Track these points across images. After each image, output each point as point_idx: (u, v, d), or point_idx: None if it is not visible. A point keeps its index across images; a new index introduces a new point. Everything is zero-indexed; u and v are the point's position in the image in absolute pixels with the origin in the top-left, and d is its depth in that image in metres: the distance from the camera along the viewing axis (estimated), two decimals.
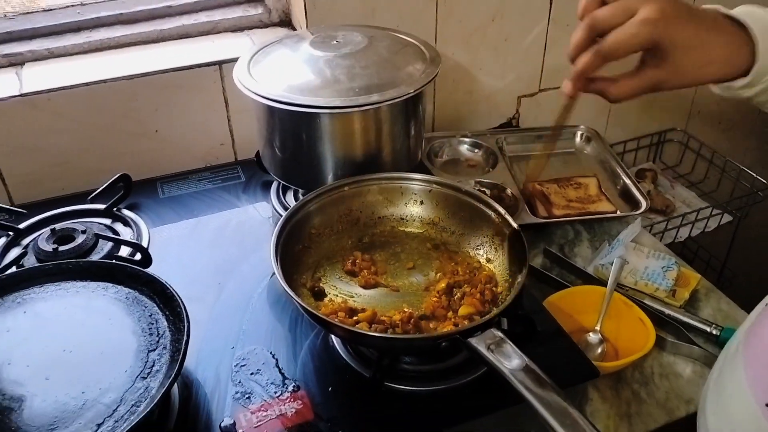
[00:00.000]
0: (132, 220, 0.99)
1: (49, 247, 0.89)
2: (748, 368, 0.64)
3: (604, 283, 0.92)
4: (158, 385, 0.65)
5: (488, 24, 1.25)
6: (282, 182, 1.02)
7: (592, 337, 0.88)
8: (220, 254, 0.95)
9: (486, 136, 1.27)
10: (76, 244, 0.90)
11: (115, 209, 1.00)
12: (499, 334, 0.65)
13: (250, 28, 1.21)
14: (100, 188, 1.01)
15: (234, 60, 0.97)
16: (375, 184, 0.89)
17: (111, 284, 0.77)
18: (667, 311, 0.93)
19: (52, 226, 0.93)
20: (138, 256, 0.90)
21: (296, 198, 1.01)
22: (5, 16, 1.12)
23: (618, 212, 1.10)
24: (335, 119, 0.88)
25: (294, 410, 0.70)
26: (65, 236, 0.92)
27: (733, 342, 0.70)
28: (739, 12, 0.64)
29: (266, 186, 1.08)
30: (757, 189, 1.40)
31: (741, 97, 0.67)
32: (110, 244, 0.91)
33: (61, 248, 0.89)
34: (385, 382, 0.72)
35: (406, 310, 0.75)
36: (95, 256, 0.90)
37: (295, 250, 0.82)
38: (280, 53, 0.96)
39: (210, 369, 0.76)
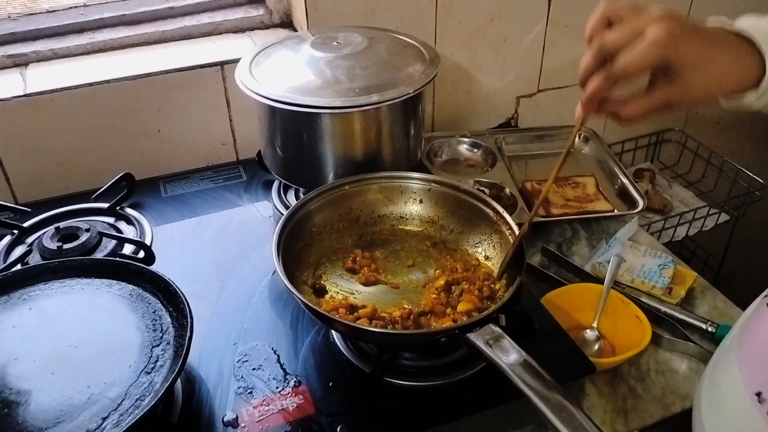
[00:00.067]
0: (135, 218, 1.00)
1: (53, 245, 0.91)
2: (742, 361, 0.65)
3: (601, 281, 0.94)
4: (162, 380, 0.66)
5: (487, 25, 1.26)
6: (283, 181, 1.03)
7: (589, 334, 0.89)
8: (222, 252, 0.96)
9: (485, 136, 1.28)
10: (80, 242, 0.91)
11: (118, 208, 1.02)
12: (498, 329, 0.66)
13: (252, 29, 1.22)
14: (104, 187, 1.03)
15: (235, 61, 0.99)
16: (375, 183, 0.90)
17: (115, 281, 0.79)
18: (663, 308, 0.94)
19: (56, 225, 0.95)
20: (141, 254, 0.91)
21: (297, 197, 1.02)
22: (9, 17, 1.13)
23: (615, 211, 1.11)
24: (336, 119, 0.89)
25: (295, 405, 0.72)
26: (69, 234, 0.93)
27: (729, 338, 0.71)
28: (743, 25, 0.65)
29: (267, 185, 1.10)
30: (754, 189, 1.41)
31: (749, 110, 0.68)
32: (114, 242, 0.93)
33: (66, 246, 0.91)
34: (385, 378, 0.73)
35: (405, 306, 0.76)
36: (99, 254, 0.91)
37: (297, 248, 0.83)
38: (282, 54, 0.98)
39: (213, 365, 0.77)
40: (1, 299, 0.77)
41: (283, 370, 0.76)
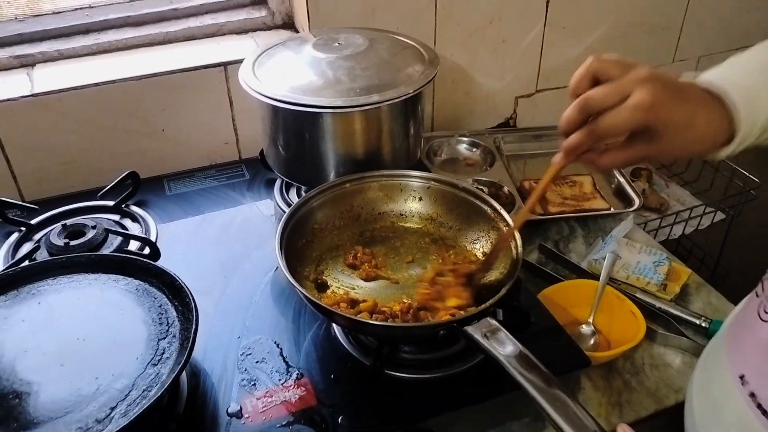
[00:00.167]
0: (140, 216, 1.02)
1: (60, 242, 0.93)
2: (729, 346, 0.68)
3: (597, 278, 0.95)
4: (168, 371, 0.68)
5: (486, 26, 1.28)
6: (285, 180, 1.05)
7: (585, 329, 0.91)
8: (226, 249, 0.98)
9: (484, 136, 1.30)
10: (87, 238, 0.93)
11: (123, 206, 1.04)
12: (494, 322, 0.68)
13: (254, 30, 1.24)
14: (109, 185, 1.04)
15: (238, 61, 1.01)
16: (375, 181, 0.92)
17: (122, 276, 0.81)
18: (658, 304, 0.96)
19: (63, 222, 0.96)
20: (147, 251, 0.93)
21: (299, 195, 1.04)
22: (16, 18, 1.15)
23: (612, 209, 1.13)
24: (337, 119, 0.91)
25: (298, 396, 0.73)
26: (76, 231, 0.95)
27: (721, 331, 0.73)
28: (718, 79, 0.66)
29: (270, 183, 1.11)
30: (750, 188, 1.42)
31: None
32: (120, 238, 0.95)
33: (73, 243, 0.92)
34: (385, 370, 0.75)
35: (405, 301, 0.78)
36: (105, 251, 0.93)
37: (299, 245, 0.85)
38: (284, 55, 1.00)
39: (217, 358, 0.79)
40: (11, 294, 0.79)
41: (286, 363, 0.78)
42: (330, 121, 0.91)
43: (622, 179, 1.19)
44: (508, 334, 0.66)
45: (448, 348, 0.78)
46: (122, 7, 1.19)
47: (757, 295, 0.67)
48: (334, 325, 0.82)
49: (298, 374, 0.76)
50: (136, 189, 1.05)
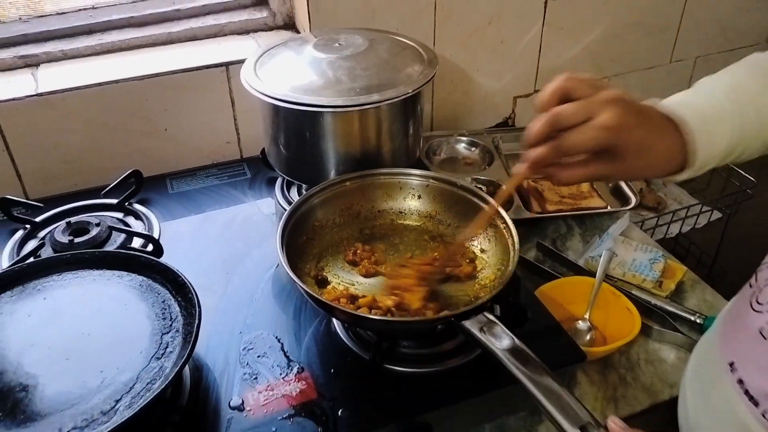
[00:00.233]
0: (143, 214, 1.03)
1: (65, 239, 0.94)
2: (722, 334, 0.70)
3: (593, 275, 0.97)
4: (172, 365, 0.69)
5: (485, 27, 1.30)
6: (286, 178, 1.06)
7: (582, 325, 0.93)
8: (227, 247, 0.99)
9: (483, 135, 1.31)
10: (91, 236, 0.94)
11: (126, 204, 1.05)
12: (491, 317, 0.69)
13: (256, 31, 1.25)
14: (113, 184, 1.06)
15: (240, 62, 1.02)
16: (375, 180, 0.93)
17: (126, 273, 0.82)
18: (653, 301, 0.97)
19: (67, 219, 0.98)
20: (150, 248, 0.94)
21: (300, 193, 1.06)
22: (20, 19, 1.17)
23: (608, 208, 1.14)
24: (337, 118, 0.92)
25: (298, 390, 0.75)
26: (80, 229, 0.96)
27: (715, 321, 0.75)
28: (680, 105, 0.68)
29: (271, 182, 1.13)
30: (747, 187, 1.44)
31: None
32: (123, 235, 0.96)
33: (77, 240, 0.94)
34: (385, 365, 0.77)
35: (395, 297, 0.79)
36: (109, 248, 0.94)
37: (300, 242, 0.86)
38: (285, 55, 1.01)
39: (219, 352, 0.80)
40: (17, 289, 0.80)
41: (287, 357, 0.79)
42: (330, 121, 0.92)
43: None
44: (504, 328, 0.68)
45: (446, 343, 0.80)
46: (125, 8, 1.20)
47: (750, 286, 0.69)
48: (334, 320, 0.83)
49: (298, 368, 0.78)
50: (139, 187, 1.07)
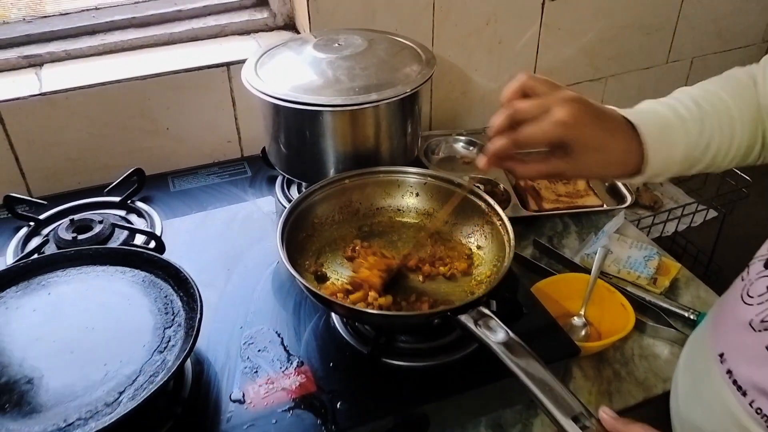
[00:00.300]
0: (145, 211, 1.05)
1: (68, 236, 0.96)
2: (713, 326, 0.72)
3: (589, 271, 0.98)
4: (174, 358, 0.71)
5: (483, 27, 1.31)
6: (287, 176, 1.08)
7: (577, 321, 0.94)
8: (228, 244, 1.00)
9: (481, 135, 1.33)
10: (94, 233, 0.96)
11: (129, 201, 1.06)
12: (486, 311, 0.71)
13: (256, 31, 1.27)
14: (116, 182, 1.07)
15: (241, 62, 1.04)
16: (374, 178, 0.95)
17: (128, 268, 0.83)
18: (648, 297, 0.99)
19: (70, 217, 0.99)
20: (152, 244, 0.96)
21: (300, 192, 1.07)
22: (24, 19, 1.18)
23: (604, 206, 1.16)
24: (337, 117, 0.94)
25: (298, 383, 0.76)
26: (83, 226, 0.98)
27: (707, 314, 0.77)
28: (642, 111, 0.72)
29: (271, 180, 1.14)
30: (742, 186, 1.45)
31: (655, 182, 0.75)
32: (126, 232, 0.98)
33: (80, 237, 0.95)
34: (382, 359, 0.78)
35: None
36: (112, 245, 0.96)
37: (300, 238, 0.87)
38: (285, 55, 1.03)
39: (220, 347, 0.82)
40: (22, 285, 0.81)
41: (287, 351, 0.81)
42: (330, 119, 0.94)
43: None
44: (499, 322, 0.69)
45: (443, 338, 0.81)
46: (127, 9, 1.22)
47: (742, 279, 0.71)
48: (333, 315, 0.85)
49: (298, 362, 0.79)
50: (142, 185, 1.08)
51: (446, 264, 0.87)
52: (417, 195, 0.95)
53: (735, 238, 1.60)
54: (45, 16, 1.19)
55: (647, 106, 0.74)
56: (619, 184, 1.21)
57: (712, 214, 1.47)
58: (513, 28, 1.34)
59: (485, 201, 0.89)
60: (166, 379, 0.67)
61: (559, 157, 0.67)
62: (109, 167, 1.12)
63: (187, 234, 1.03)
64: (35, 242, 0.98)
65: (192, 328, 0.73)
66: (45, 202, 1.05)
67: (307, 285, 0.74)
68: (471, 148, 1.31)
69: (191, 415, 0.73)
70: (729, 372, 0.67)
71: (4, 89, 1.07)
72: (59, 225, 0.99)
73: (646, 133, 0.69)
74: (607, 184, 1.24)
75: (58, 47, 1.16)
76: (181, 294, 0.79)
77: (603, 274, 1.01)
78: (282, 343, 0.82)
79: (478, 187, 0.92)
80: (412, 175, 0.95)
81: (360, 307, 0.77)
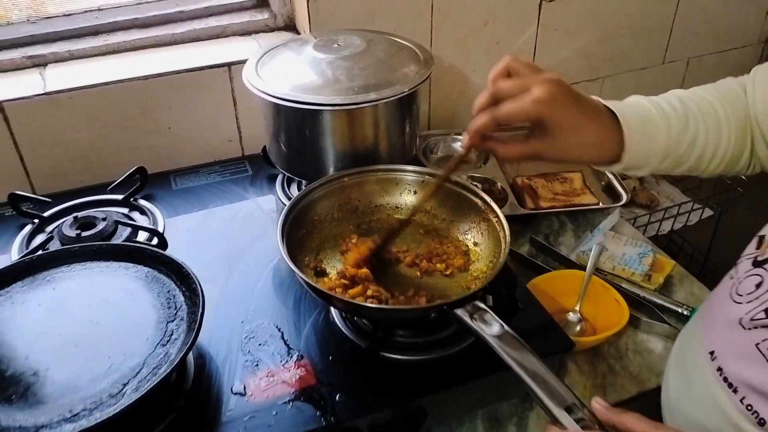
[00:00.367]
0: (148, 209, 1.07)
1: (72, 233, 0.97)
2: (703, 324, 0.73)
3: (584, 268, 0.99)
4: (176, 351, 0.72)
5: (481, 28, 1.33)
6: (287, 175, 1.09)
7: (572, 317, 0.96)
8: (229, 241, 1.02)
9: None
10: (98, 230, 0.98)
11: (132, 199, 1.08)
12: (482, 305, 0.72)
13: (257, 32, 1.29)
14: (118, 180, 1.09)
15: (242, 62, 1.05)
16: (372, 176, 0.96)
17: (132, 264, 0.85)
18: (642, 293, 1.00)
19: (74, 214, 1.01)
20: (155, 241, 0.97)
21: (300, 190, 1.08)
22: (28, 20, 1.20)
23: (600, 204, 1.17)
24: (336, 116, 0.95)
25: (298, 376, 0.78)
26: (87, 223, 1.00)
27: (697, 312, 0.78)
28: (626, 102, 0.74)
29: (272, 179, 1.16)
30: (737, 185, 1.47)
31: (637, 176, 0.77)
32: (129, 229, 0.99)
33: (84, 234, 0.97)
34: (380, 352, 0.80)
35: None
36: (115, 241, 0.98)
37: (300, 235, 0.89)
38: (286, 55, 1.04)
39: (222, 341, 0.83)
40: (27, 280, 0.83)
41: (287, 345, 0.82)
42: (329, 118, 0.95)
43: (611, 176, 1.24)
44: (494, 315, 0.71)
45: (440, 332, 0.83)
46: (130, 10, 1.23)
47: (731, 278, 0.72)
48: (332, 311, 0.86)
49: (298, 356, 0.81)
50: (144, 183, 1.10)
51: (443, 260, 0.88)
52: (415, 193, 0.97)
53: (730, 237, 1.61)
54: (49, 17, 1.21)
55: (632, 99, 0.76)
56: (615, 183, 1.22)
57: (708, 213, 1.48)
58: (511, 29, 1.36)
59: (482, 198, 0.90)
60: (169, 371, 0.69)
61: (538, 138, 0.70)
62: (112, 166, 1.14)
63: (189, 231, 1.04)
64: (39, 239, 0.99)
65: (194, 322, 0.75)
66: (49, 200, 1.07)
67: (306, 279, 0.76)
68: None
69: (193, 407, 0.74)
70: (719, 369, 0.68)
71: (8, 89, 1.08)
72: (63, 222, 1.00)
73: (625, 120, 0.71)
74: (603, 183, 1.25)
75: (61, 47, 1.18)
76: (184, 289, 0.81)
77: (598, 271, 1.02)
78: (282, 337, 0.84)
79: (476, 185, 0.93)
80: (410, 173, 0.96)
81: (359, 301, 0.78)
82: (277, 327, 0.85)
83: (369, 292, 0.81)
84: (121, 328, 0.77)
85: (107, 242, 0.95)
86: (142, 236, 1.00)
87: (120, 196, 1.08)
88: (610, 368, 0.91)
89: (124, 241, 0.98)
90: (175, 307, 0.78)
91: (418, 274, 0.87)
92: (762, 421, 0.64)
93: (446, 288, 0.86)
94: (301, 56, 1.02)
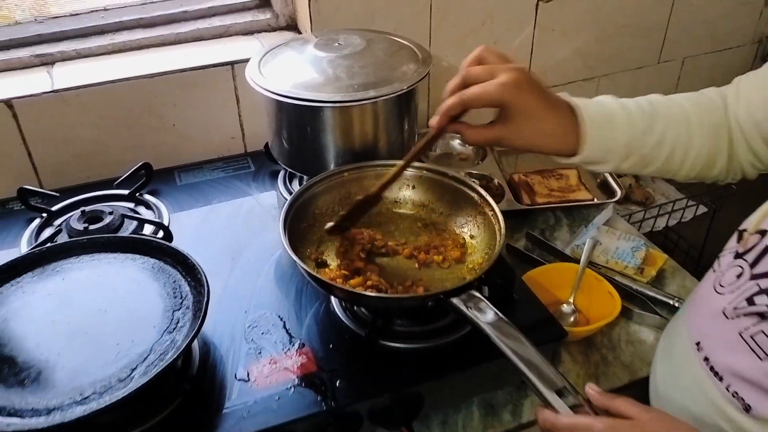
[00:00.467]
0: (153, 203, 1.09)
1: (80, 226, 1.00)
2: (689, 316, 0.76)
3: (579, 262, 1.02)
4: (183, 338, 0.75)
5: (479, 28, 1.35)
6: (288, 171, 1.12)
7: (566, 308, 0.98)
8: (233, 235, 1.04)
9: None
10: (105, 223, 1.00)
11: (137, 194, 1.11)
12: (477, 294, 0.75)
13: (260, 31, 1.31)
14: (124, 175, 1.12)
15: (245, 61, 1.07)
16: (372, 171, 0.98)
17: (139, 255, 0.87)
18: (634, 286, 1.03)
19: (82, 208, 1.03)
20: (160, 234, 1.00)
21: (301, 185, 1.11)
22: (35, 20, 1.23)
23: (595, 200, 1.20)
24: (336, 113, 0.98)
25: (299, 363, 0.80)
26: (94, 217, 1.02)
27: (684, 304, 0.81)
28: (592, 100, 0.77)
29: (274, 175, 1.19)
30: (731, 182, 1.49)
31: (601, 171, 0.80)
32: (135, 223, 1.02)
33: (91, 227, 1.00)
34: (379, 341, 0.82)
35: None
36: (122, 234, 1.00)
37: (301, 227, 0.91)
38: (287, 54, 1.07)
39: (225, 331, 0.86)
40: (37, 271, 0.86)
41: (289, 334, 0.85)
42: (330, 115, 0.98)
43: (606, 173, 1.27)
44: (488, 303, 0.73)
45: (437, 321, 0.85)
46: (135, 10, 1.26)
47: (713, 271, 0.75)
48: (333, 301, 0.89)
49: (299, 344, 0.83)
50: (149, 179, 1.12)
51: (441, 252, 0.91)
52: (413, 187, 0.99)
53: (725, 233, 1.63)
54: (56, 17, 1.23)
55: (600, 98, 0.79)
56: (610, 180, 1.25)
57: (702, 209, 1.51)
58: (508, 29, 1.38)
59: (478, 192, 0.93)
60: (175, 356, 0.71)
61: (502, 123, 0.74)
62: (118, 162, 1.16)
63: (193, 226, 1.07)
64: (48, 232, 1.02)
65: (199, 311, 0.77)
66: (57, 194, 1.10)
67: (307, 269, 0.78)
68: (467, 145, 1.35)
69: (199, 392, 0.77)
70: (706, 359, 0.71)
71: (17, 87, 1.11)
72: (71, 216, 1.03)
73: (584, 114, 0.74)
74: (598, 179, 1.28)
75: (68, 46, 1.21)
76: (189, 279, 0.83)
77: (592, 264, 1.05)
78: (284, 326, 0.86)
79: (474, 180, 0.96)
80: (408, 169, 0.98)
81: (358, 290, 0.81)
82: (279, 317, 0.88)
83: (369, 283, 0.84)
84: (128, 317, 0.79)
85: (114, 234, 0.97)
86: (148, 229, 1.02)
87: (126, 191, 1.11)
88: (603, 358, 0.94)
89: (130, 234, 1.00)
90: (181, 297, 0.81)
91: (416, 265, 0.90)
92: (747, 407, 0.67)
93: (443, 279, 0.88)
94: (303, 55, 1.05)
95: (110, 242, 0.89)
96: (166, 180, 1.18)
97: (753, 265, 0.69)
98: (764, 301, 0.65)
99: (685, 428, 0.61)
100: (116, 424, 0.72)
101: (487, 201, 0.91)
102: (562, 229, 1.19)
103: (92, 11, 1.25)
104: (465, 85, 0.73)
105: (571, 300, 0.99)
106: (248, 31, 1.31)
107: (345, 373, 0.79)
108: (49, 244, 0.92)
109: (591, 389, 0.65)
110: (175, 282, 0.83)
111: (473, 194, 0.93)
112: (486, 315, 0.72)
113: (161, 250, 0.87)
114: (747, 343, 0.66)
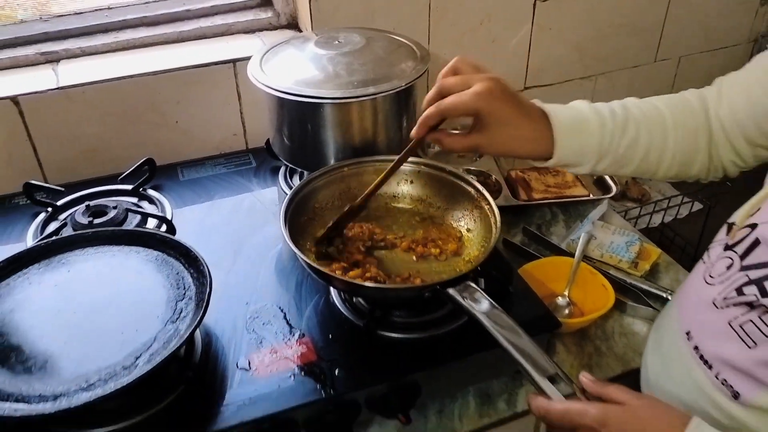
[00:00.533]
0: (156, 198, 1.11)
1: (84, 220, 1.02)
2: (679, 306, 0.77)
3: (574, 256, 1.04)
4: (186, 327, 0.76)
5: (477, 27, 1.37)
6: (289, 166, 1.14)
7: (561, 301, 1.00)
8: (234, 229, 1.07)
9: None
10: (109, 217, 1.02)
11: (141, 189, 1.13)
12: (473, 285, 0.77)
13: (261, 30, 1.33)
14: (128, 171, 1.14)
15: (246, 58, 1.09)
16: (371, 165, 1.00)
17: (142, 248, 0.89)
18: (628, 279, 1.05)
19: (86, 203, 1.06)
20: (163, 228, 1.02)
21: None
22: (41, 18, 1.25)
23: (590, 196, 1.22)
24: (336, 109, 1.00)
25: (299, 353, 0.82)
26: (99, 211, 1.04)
27: (674, 296, 0.83)
28: (565, 105, 0.79)
29: (275, 171, 1.21)
30: (726, 179, 1.51)
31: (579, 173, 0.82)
32: (139, 217, 1.04)
33: (96, 221, 1.02)
34: (377, 331, 0.84)
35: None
36: (126, 228, 1.02)
37: (301, 221, 0.93)
38: (288, 52, 1.09)
39: (227, 322, 0.88)
40: (43, 262, 0.88)
41: (289, 325, 0.87)
42: (330, 111, 1.00)
43: None
44: (483, 293, 0.75)
45: (434, 312, 0.87)
46: (139, 8, 1.28)
47: (703, 262, 0.77)
48: (332, 293, 0.91)
49: (300, 334, 0.85)
50: (153, 175, 1.14)
51: (438, 245, 0.93)
52: (411, 182, 1.01)
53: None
54: (60, 15, 1.25)
55: (573, 103, 0.81)
56: (606, 177, 1.27)
57: (698, 206, 1.53)
58: (506, 28, 1.40)
59: (474, 187, 0.95)
60: (179, 345, 0.73)
61: (479, 131, 0.76)
62: (121, 158, 1.18)
63: (196, 220, 1.09)
64: (53, 226, 1.04)
65: (202, 301, 0.79)
66: (62, 189, 1.12)
67: (307, 261, 0.80)
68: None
69: (201, 380, 0.79)
70: (696, 348, 0.73)
71: (23, 84, 1.13)
72: (76, 210, 1.05)
73: (554, 118, 0.77)
74: (594, 176, 1.30)
75: (73, 44, 1.23)
76: (192, 271, 0.85)
77: (587, 258, 1.07)
78: (285, 317, 0.88)
79: (471, 177, 0.98)
80: (406, 163, 1.00)
81: (357, 281, 0.83)
82: (279, 308, 0.90)
83: (368, 275, 0.86)
84: (132, 307, 0.81)
85: (119, 228, 0.99)
86: (151, 223, 1.04)
87: (130, 186, 1.13)
88: (597, 349, 0.96)
89: (134, 227, 1.02)
90: (184, 288, 0.83)
91: (414, 258, 0.92)
92: (736, 395, 0.68)
93: (440, 271, 0.90)
94: (303, 53, 1.07)
95: (115, 235, 0.91)
96: (169, 175, 1.20)
97: (743, 256, 0.71)
98: (753, 291, 0.67)
99: (675, 413, 0.63)
100: (121, 411, 0.74)
101: (483, 195, 0.93)
102: (558, 224, 1.21)
103: (96, 10, 1.27)
104: (441, 95, 0.76)
105: (566, 293, 1.01)
106: (250, 30, 1.33)
107: (344, 362, 0.81)
108: (54, 237, 0.93)
109: (584, 377, 0.67)
110: (178, 274, 0.85)
111: (470, 188, 0.95)
112: (481, 305, 0.74)
113: (164, 242, 0.89)
114: (736, 332, 0.68)
